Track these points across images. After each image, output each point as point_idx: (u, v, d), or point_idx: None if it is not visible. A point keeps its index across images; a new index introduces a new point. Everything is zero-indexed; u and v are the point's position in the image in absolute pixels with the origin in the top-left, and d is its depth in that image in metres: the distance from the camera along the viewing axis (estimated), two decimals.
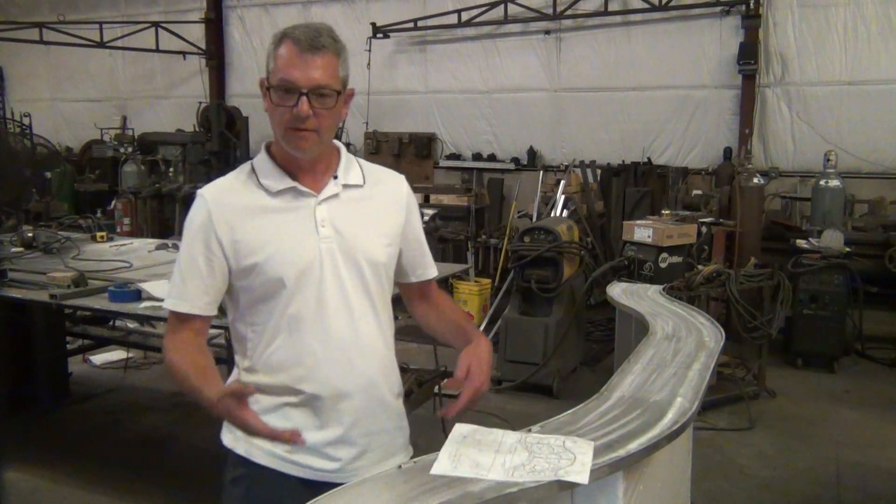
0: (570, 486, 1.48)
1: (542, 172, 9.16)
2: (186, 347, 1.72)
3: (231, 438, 1.81)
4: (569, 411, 1.87)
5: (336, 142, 1.83)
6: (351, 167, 1.81)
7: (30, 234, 4.64)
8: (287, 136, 1.66)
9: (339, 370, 1.74)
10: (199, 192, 1.75)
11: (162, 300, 3.28)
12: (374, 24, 10.24)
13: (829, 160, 7.27)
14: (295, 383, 1.73)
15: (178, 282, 1.73)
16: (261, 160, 1.76)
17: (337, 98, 1.66)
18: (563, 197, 7.71)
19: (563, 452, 1.56)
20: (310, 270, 1.70)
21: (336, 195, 1.76)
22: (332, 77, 1.65)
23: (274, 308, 1.71)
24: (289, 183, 1.72)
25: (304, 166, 1.74)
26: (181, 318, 1.73)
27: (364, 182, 1.81)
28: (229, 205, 1.71)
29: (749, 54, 8.56)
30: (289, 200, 1.72)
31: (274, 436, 1.56)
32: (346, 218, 1.75)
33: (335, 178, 1.77)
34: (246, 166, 1.78)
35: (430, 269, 1.98)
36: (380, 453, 1.82)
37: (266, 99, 1.68)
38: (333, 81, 1.65)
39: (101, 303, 3.45)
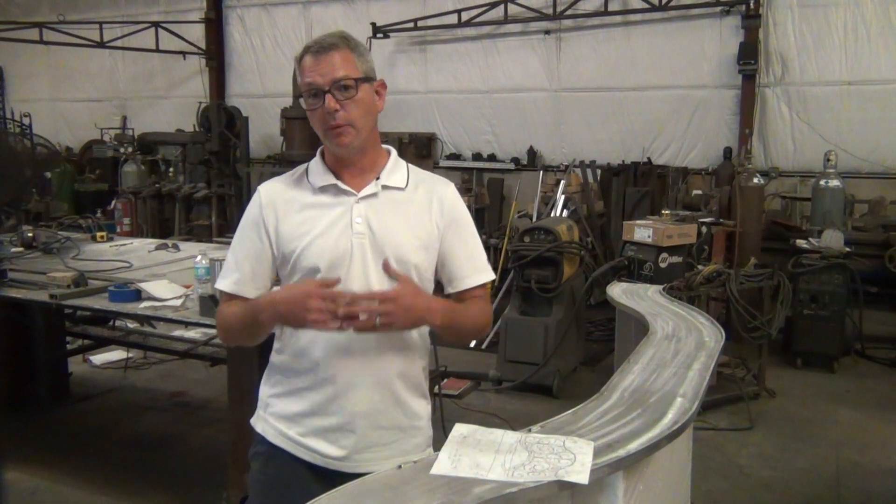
0: (570, 486, 1.48)
1: (542, 172, 9.18)
2: (231, 309, 1.87)
3: (254, 417, 1.96)
4: (569, 411, 1.87)
5: (388, 146, 1.93)
6: (396, 171, 1.89)
7: (30, 234, 4.63)
8: (327, 136, 1.79)
9: (353, 360, 1.80)
10: (258, 187, 1.93)
11: (162, 300, 3.34)
12: (374, 24, 10.23)
13: (829, 160, 7.27)
14: (312, 367, 1.82)
15: (230, 266, 1.89)
16: (314, 162, 1.90)
17: (357, 86, 1.76)
18: (563, 197, 7.72)
19: (563, 452, 1.56)
20: (340, 262, 1.79)
21: (374, 194, 1.84)
22: (349, 69, 1.76)
23: None
24: (331, 180, 1.84)
25: (350, 167, 1.84)
26: (230, 298, 1.89)
27: (406, 185, 1.88)
28: (279, 198, 1.86)
29: (749, 54, 8.57)
30: (330, 197, 1.84)
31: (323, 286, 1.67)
32: (382, 217, 1.82)
33: (377, 179, 1.85)
34: (302, 167, 1.92)
35: (465, 280, 1.89)
36: (393, 450, 1.84)
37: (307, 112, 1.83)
38: (351, 72, 1.76)
39: (101, 303, 3.45)
